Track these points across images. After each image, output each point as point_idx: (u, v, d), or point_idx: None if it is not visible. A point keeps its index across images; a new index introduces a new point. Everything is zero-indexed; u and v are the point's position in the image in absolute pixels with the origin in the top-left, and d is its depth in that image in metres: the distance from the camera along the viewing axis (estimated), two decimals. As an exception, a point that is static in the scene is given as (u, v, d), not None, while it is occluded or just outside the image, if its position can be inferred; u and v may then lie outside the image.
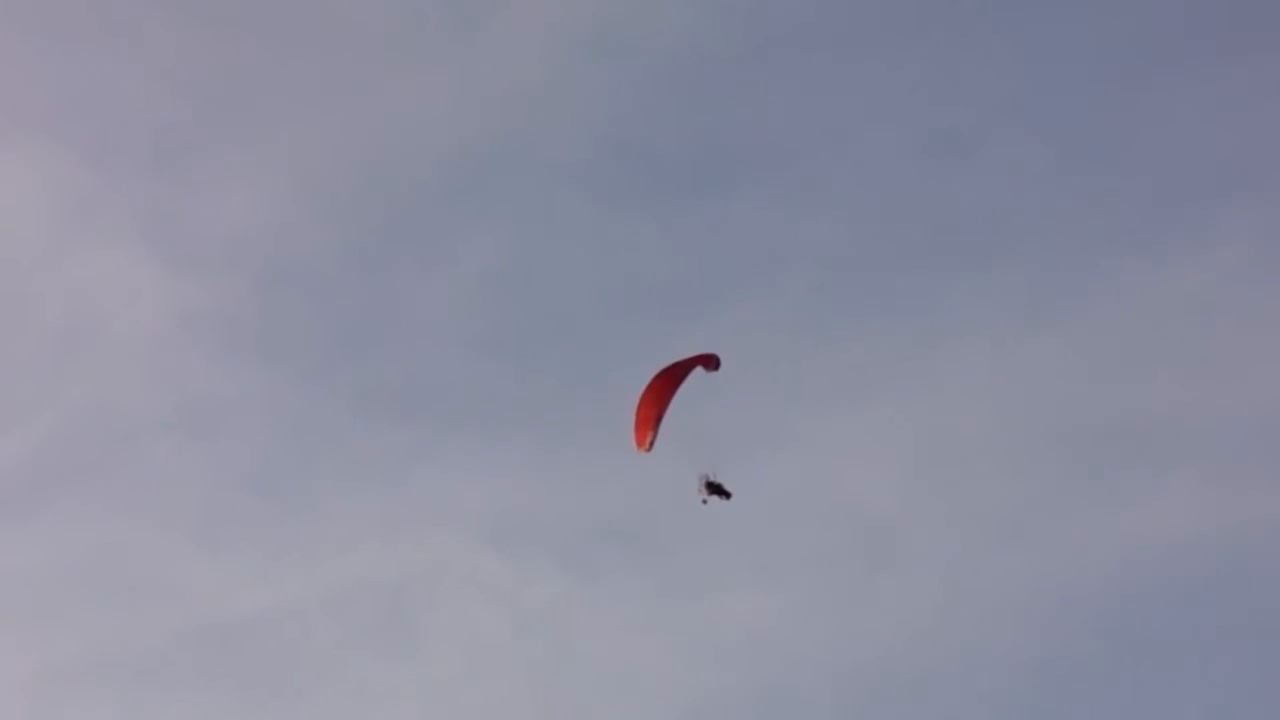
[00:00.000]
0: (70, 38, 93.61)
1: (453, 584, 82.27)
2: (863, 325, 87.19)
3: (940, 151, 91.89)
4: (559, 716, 77.81)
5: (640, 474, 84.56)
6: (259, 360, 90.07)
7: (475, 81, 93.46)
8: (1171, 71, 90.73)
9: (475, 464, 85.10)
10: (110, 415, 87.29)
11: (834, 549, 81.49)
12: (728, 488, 54.03)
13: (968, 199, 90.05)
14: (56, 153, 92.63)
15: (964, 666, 75.67)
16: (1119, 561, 77.05)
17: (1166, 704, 72.46)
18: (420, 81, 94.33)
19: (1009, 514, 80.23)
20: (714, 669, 79.24)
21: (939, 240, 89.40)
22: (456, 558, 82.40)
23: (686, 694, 78.12)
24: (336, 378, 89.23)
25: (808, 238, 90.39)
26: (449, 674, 79.24)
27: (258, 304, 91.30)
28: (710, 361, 53.19)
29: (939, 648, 76.65)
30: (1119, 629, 75.47)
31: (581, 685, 79.68)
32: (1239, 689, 72.51)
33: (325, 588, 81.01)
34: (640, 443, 52.35)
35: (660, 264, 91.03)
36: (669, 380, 52.59)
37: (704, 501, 54.16)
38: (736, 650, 79.67)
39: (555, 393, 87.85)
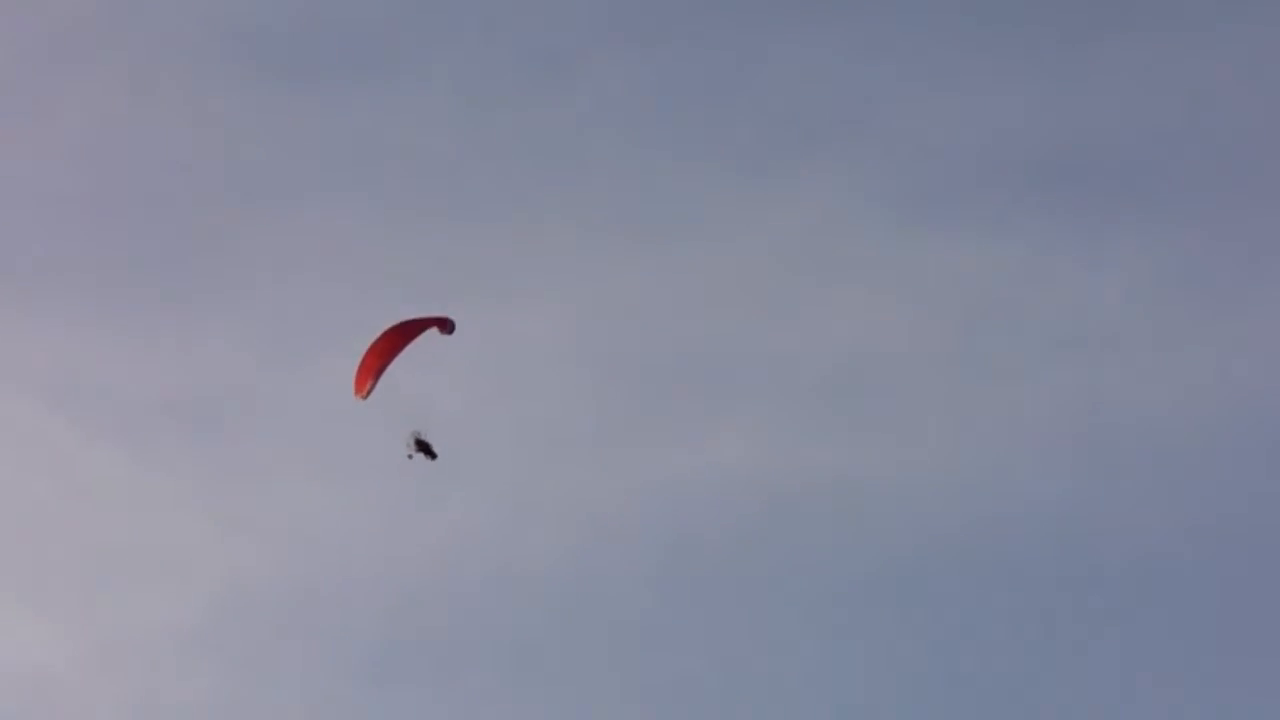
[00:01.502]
0: None
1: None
2: (459, 229, 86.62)
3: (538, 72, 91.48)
4: (96, 588, 76.31)
5: (207, 351, 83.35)
6: None
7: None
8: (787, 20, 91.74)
9: (41, 321, 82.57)
10: None
11: (394, 450, 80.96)
12: (435, 449, 55.73)
13: (557, 122, 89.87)
14: None
15: (508, 582, 76.31)
16: (673, 495, 78.47)
17: (707, 639, 74.37)
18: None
19: (574, 436, 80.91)
20: (258, 556, 78.45)
21: (547, 149, 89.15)
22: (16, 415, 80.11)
23: (227, 578, 77.28)
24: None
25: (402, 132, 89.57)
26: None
27: None
28: (445, 325, 54.23)
29: (491, 559, 77.09)
30: (666, 563, 77.03)
31: (122, 558, 78.10)
32: (776, 627, 74.56)
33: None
34: (359, 390, 53.31)
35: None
36: (400, 335, 53.50)
37: (409, 456, 55.82)
38: (284, 540, 78.98)
39: (134, 259, 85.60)
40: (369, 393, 53.20)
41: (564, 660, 74.72)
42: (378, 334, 53.62)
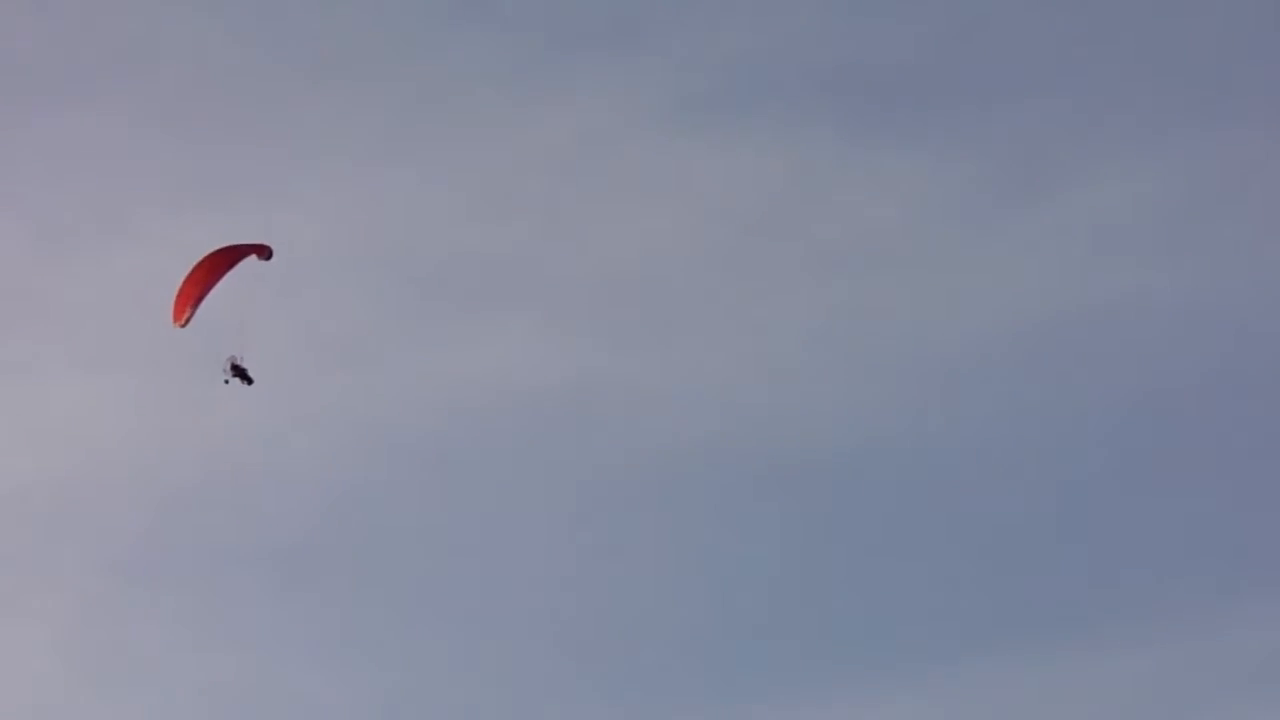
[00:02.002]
0: None
1: None
2: (234, 131, 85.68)
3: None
4: None
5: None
6: None
7: None
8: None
9: None
10: None
11: (165, 348, 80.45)
12: (251, 374, 55.66)
13: (355, 19, 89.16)
14: None
15: (281, 479, 76.27)
16: (447, 398, 78.60)
17: (467, 539, 74.99)
18: None
19: (350, 339, 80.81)
20: (29, 454, 77.99)
21: (315, 53, 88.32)
22: None
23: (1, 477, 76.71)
24: None
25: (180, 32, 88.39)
26: None
27: None
28: (263, 251, 54.01)
29: (260, 460, 77.00)
30: (436, 462, 77.29)
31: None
32: (547, 531, 75.23)
33: None
34: (177, 318, 53.12)
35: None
36: (218, 262, 53.22)
37: (226, 381, 55.78)
38: (54, 437, 78.46)
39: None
40: (187, 321, 53.26)
41: (328, 564, 75.14)
42: (195, 261, 53.45)
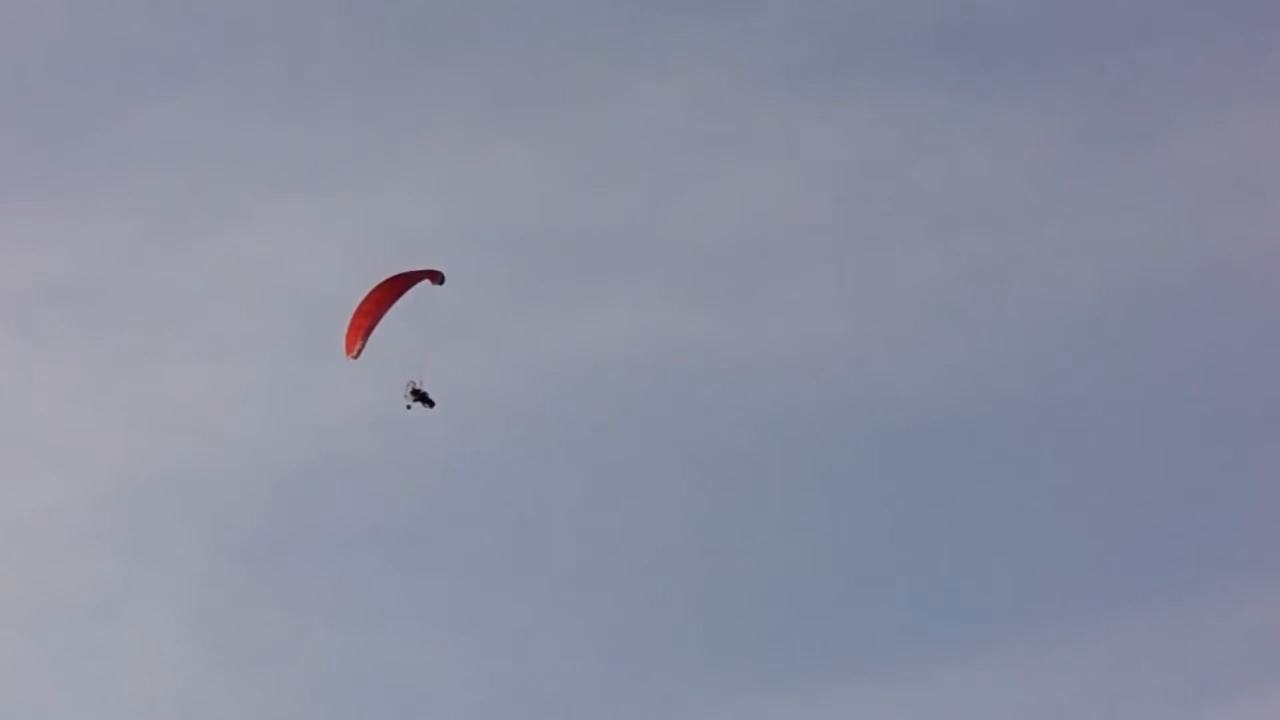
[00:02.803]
0: None
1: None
2: (340, 111, 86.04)
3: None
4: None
5: (91, 236, 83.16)
6: None
7: None
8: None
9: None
10: None
11: (282, 330, 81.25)
12: (432, 397, 55.52)
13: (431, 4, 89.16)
14: None
15: (399, 465, 76.65)
16: (557, 369, 78.71)
17: (590, 515, 74.95)
18: None
19: (461, 312, 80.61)
20: (153, 442, 78.65)
21: (420, 30, 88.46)
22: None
23: (125, 466, 77.48)
24: None
25: (282, 14, 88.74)
26: None
27: None
28: (436, 276, 54.31)
29: (378, 440, 77.42)
30: (551, 435, 77.36)
31: (10, 445, 78.33)
32: (665, 502, 75.18)
33: None
34: (349, 349, 53.24)
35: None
36: (389, 291, 53.41)
37: (408, 407, 55.52)
38: (176, 425, 79.17)
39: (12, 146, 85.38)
40: (359, 352, 53.36)
41: (447, 541, 75.48)
42: (367, 291, 53.59)
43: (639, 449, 76.87)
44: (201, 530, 75.93)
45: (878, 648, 70.88)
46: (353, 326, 53.30)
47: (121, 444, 78.40)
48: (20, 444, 77.76)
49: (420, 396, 55.64)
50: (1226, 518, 73.23)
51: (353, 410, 78.38)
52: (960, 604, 72.18)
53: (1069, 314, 79.61)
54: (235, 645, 73.39)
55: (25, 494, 76.39)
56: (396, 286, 53.68)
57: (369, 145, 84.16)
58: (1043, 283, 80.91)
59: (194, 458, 77.43)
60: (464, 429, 77.93)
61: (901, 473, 76.37)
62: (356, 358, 53.55)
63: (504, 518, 75.43)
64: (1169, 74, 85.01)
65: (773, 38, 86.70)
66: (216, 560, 75.20)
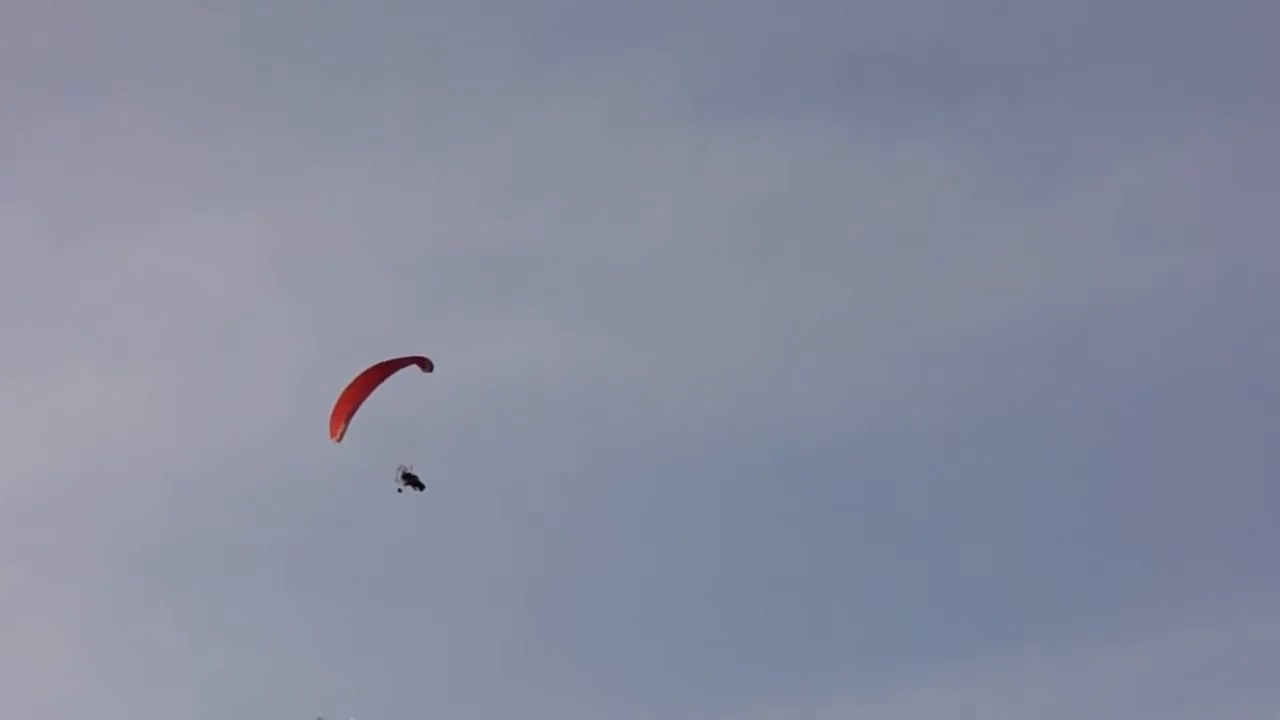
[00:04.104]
0: None
1: None
2: (249, 128, 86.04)
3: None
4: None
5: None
6: None
7: None
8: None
9: None
10: None
11: (183, 344, 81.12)
12: (422, 480, 55.71)
13: (367, 16, 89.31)
14: None
15: (297, 477, 76.57)
16: (460, 391, 78.58)
17: (483, 537, 75.08)
18: None
19: (362, 330, 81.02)
20: (47, 450, 78.30)
21: (331, 51, 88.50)
22: None
23: (16, 473, 77.13)
24: None
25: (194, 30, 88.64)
26: None
27: None
28: (425, 364, 54.43)
29: (277, 454, 77.32)
30: (449, 455, 77.18)
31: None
32: (560, 523, 75.38)
33: None
34: (333, 433, 53.40)
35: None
36: (374, 376, 53.64)
37: (399, 490, 55.71)
38: (72, 433, 78.89)
39: None
40: (342, 436, 53.48)
41: (338, 560, 75.45)
42: (353, 376, 53.75)
43: (536, 470, 77.13)
44: (94, 540, 75.64)
45: (761, 677, 71.46)
46: (336, 411, 53.53)
47: (16, 451, 78.10)
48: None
49: (411, 480, 55.91)
50: (1115, 550, 74.22)
51: (251, 426, 78.54)
52: (848, 629, 72.79)
53: (967, 346, 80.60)
54: (125, 657, 73.24)
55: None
56: (382, 372, 53.98)
57: (277, 163, 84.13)
58: (941, 315, 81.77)
59: (89, 467, 77.15)
60: (360, 446, 77.97)
61: (796, 499, 77.10)
62: (339, 441, 53.73)
63: (399, 537, 75.52)
64: (1072, 115, 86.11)
65: (681, 67, 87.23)
66: (108, 571, 74.95)
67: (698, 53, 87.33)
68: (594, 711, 70.63)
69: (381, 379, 53.83)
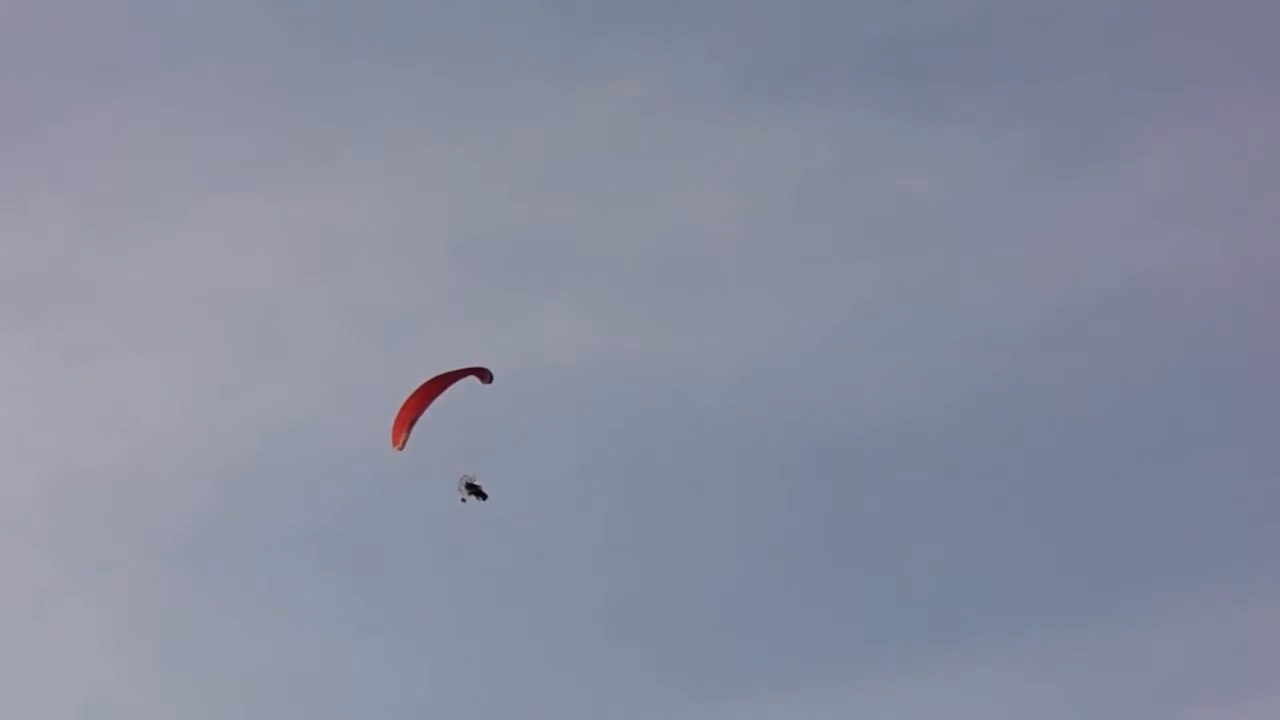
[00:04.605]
0: None
1: None
2: (275, 110, 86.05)
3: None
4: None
5: (25, 230, 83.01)
6: None
7: None
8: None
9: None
10: None
11: (218, 330, 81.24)
12: (485, 490, 56.03)
13: (397, 6, 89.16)
14: None
15: (333, 465, 76.71)
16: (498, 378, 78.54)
17: (518, 522, 75.09)
18: None
19: (395, 317, 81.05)
20: (84, 438, 78.43)
21: (362, 35, 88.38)
22: None
23: (54, 462, 77.24)
24: None
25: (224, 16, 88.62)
26: None
27: None
28: (485, 375, 54.97)
29: (313, 440, 77.46)
30: (482, 442, 77.18)
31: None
32: (594, 510, 75.34)
33: None
34: (395, 442, 53.99)
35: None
36: (436, 386, 54.10)
37: (463, 500, 56.09)
38: (108, 421, 79.05)
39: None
40: (404, 444, 54.00)
41: (379, 544, 75.46)
42: (415, 386, 54.22)
43: (570, 457, 77.09)
44: (132, 528, 75.76)
45: (802, 661, 71.37)
46: (399, 420, 54.00)
47: (53, 439, 78.16)
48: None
49: (475, 490, 56.25)
50: (1152, 538, 74.02)
51: (286, 411, 78.65)
52: (888, 617, 72.70)
53: (1005, 332, 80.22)
54: (163, 645, 73.42)
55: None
56: (444, 382, 54.42)
57: (310, 150, 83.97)
58: (980, 301, 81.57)
59: (126, 455, 77.27)
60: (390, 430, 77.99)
61: (832, 488, 76.95)
62: (401, 450, 54.21)
63: (434, 524, 75.53)
64: (1106, 95, 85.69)
65: (715, 50, 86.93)
66: (146, 559, 75.11)
67: (731, 37, 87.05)
68: (618, 694, 70.95)
69: (442, 389, 54.27)
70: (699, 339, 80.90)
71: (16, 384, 79.68)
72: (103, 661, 72.65)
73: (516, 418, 77.36)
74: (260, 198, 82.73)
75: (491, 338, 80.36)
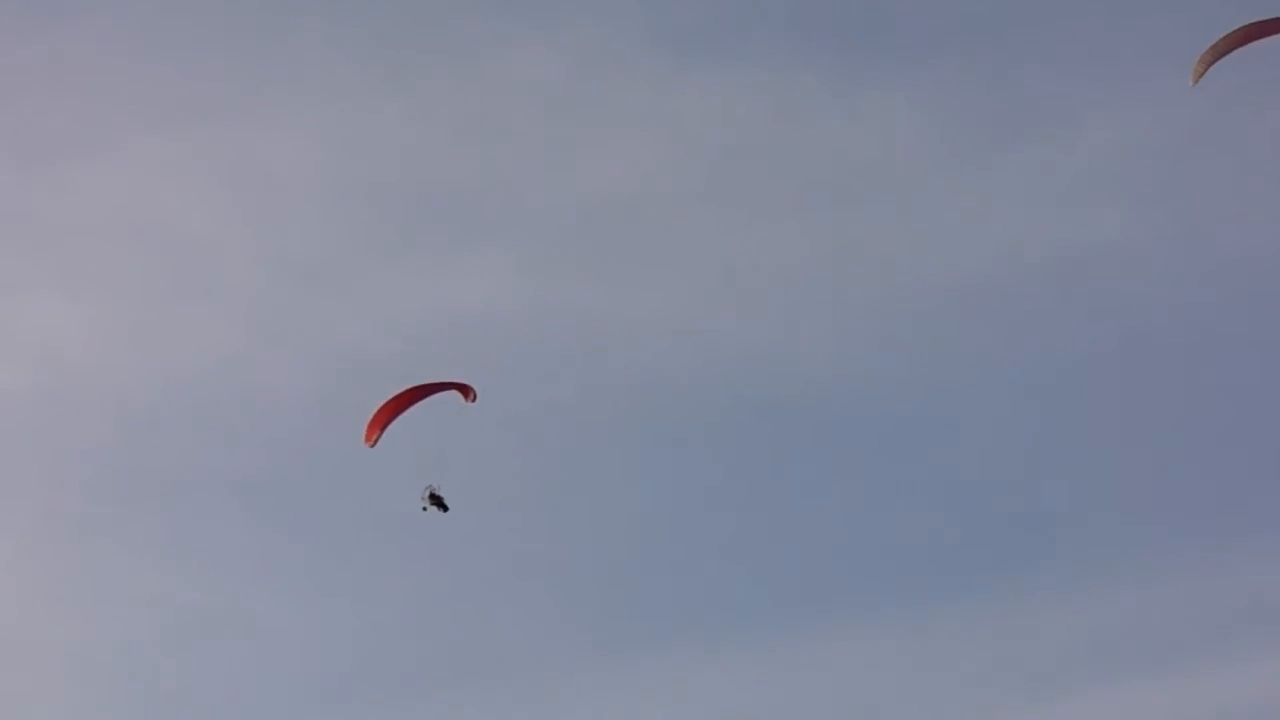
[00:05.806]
0: None
1: None
2: (209, 52, 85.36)
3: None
4: None
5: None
6: None
7: None
8: None
9: None
10: None
11: (142, 268, 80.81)
12: (447, 502, 56.12)
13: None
14: None
15: (254, 404, 76.38)
16: (416, 326, 78.54)
17: (441, 468, 74.57)
18: None
19: (322, 263, 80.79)
20: (3, 370, 78.15)
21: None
22: None
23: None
24: None
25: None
26: None
27: None
28: (468, 392, 54.81)
29: (233, 384, 77.10)
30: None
31: None
32: (517, 464, 75.16)
33: None
34: (368, 438, 54.24)
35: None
36: (417, 393, 54.26)
37: (424, 509, 56.20)
38: (23, 355, 78.64)
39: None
40: (376, 442, 54.15)
41: (296, 489, 75.24)
42: (398, 389, 54.21)
43: (495, 408, 76.70)
44: (43, 463, 75.48)
45: (716, 621, 71.40)
46: (374, 419, 54.06)
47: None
48: None
49: (436, 501, 56.22)
50: (1061, 509, 74.33)
51: (208, 353, 78.28)
52: (801, 581, 72.81)
53: (929, 295, 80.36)
54: (68, 581, 73.14)
55: None
56: (425, 391, 54.51)
57: (241, 90, 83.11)
58: (904, 264, 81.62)
59: (41, 388, 76.87)
60: (316, 378, 77.85)
61: (754, 444, 76.97)
62: (373, 447, 54.37)
63: (350, 471, 75.26)
64: (1042, 69, 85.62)
65: (652, 6, 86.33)
66: (57, 494, 74.72)
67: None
68: (556, 649, 70.93)
69: (422, 397, 54.39)
70: (629, 293, 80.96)
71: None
72: (8, 593, 72.60)
73: (443, 368, 77.35)
74: (191, 139, 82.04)
75: (419, 286, 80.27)
